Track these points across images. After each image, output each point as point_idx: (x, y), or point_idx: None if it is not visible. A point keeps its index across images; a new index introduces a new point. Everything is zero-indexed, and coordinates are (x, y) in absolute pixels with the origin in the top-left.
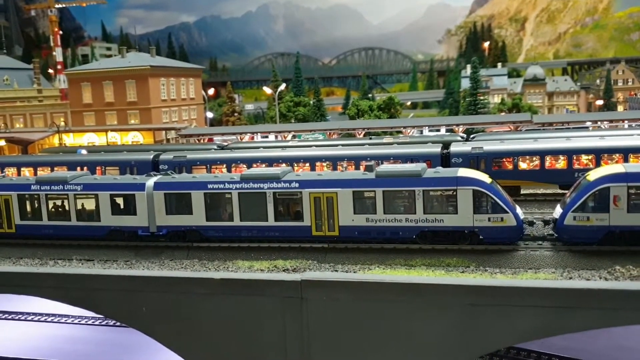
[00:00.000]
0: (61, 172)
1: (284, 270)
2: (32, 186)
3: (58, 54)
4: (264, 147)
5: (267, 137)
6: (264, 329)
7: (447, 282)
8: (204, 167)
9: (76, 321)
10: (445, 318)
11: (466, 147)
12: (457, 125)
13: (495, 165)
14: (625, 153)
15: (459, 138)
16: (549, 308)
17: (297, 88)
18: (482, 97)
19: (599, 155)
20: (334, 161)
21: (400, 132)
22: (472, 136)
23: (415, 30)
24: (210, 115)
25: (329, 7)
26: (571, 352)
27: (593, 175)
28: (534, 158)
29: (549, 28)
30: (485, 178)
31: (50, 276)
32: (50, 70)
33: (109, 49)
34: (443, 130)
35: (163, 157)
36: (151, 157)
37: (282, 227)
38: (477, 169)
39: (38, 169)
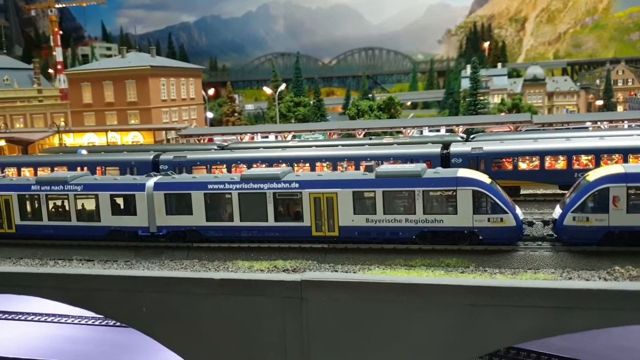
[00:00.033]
0: (61, 173)
1: (283, 271)
2: (32, 186)
3: (58, 54)
4: (264, 148)
5: (267, 137)
6: (263, 329)
7: (447, 283)
8: (204, 167)
9: (76, 321)
10: (445, 318)
11: (466, 148)
12: (457, 125)
13: (495, 166)
14: (625, 153)
15: (459, 138)
16: (548, 308)
17: (297, 88)
18: (482, 98)
19: (599, 155)
20: (334, 161)
21: (400, 132)
22: (472, 136)
23: (415, 30)
24: (210, 115)
25: (329, 7)
26: (571, 353)
27: (592, 175)
28: (534, 158)
29: (549, 28)
30: (484, 178)
31: (50, 276)
32: (51, 70)
33: (109, 49)
34: (443, 131)
35: (163, 157)
36: (151, 157)
37: (282, 227)
38: (477, 169)
39: (38, 169)
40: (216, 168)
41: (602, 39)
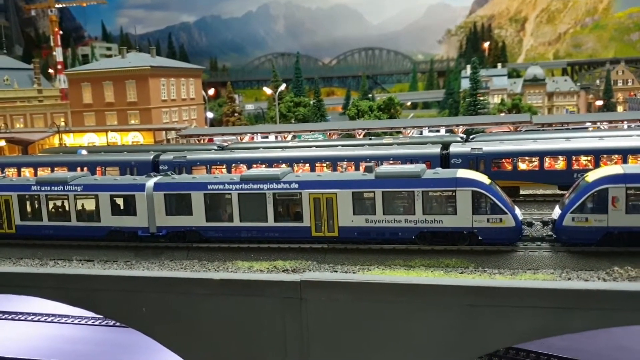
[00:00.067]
0: (61, 173)
1: (283, 271)
2: (32, 187)
3: (58, 54)
4: (264, 148)
5: (267, 137)
6: (263, 330)
7: (446, 283)
8: (204, 167)
9: (76, 321)
10: (445, 318)
11: (465, 148)
12: (457, 125)
13: (495, 166)
14: (624, 154)
15: (459, 139)
16: (547, 309)
17: (297, 88)
18: (481, 98)
19: (598, 156)
20: (333, 162)
21: (400, 132)
22: (471, 137)
23: (415, 30)
24: (210, 115)
25: (329, 7)
26: (570, 353)
27: (592, 176)
28: (533, 159)
29: (549, 28)
30: (484, 179)
31: (50, 276)
32: (51, 70)
33: (109, 49)
34: (443, 131)
35: (163, 157)
36: (151, 157)
37: (281, 227)
38: (477, 169)
39: (38, 169)
40: (216, 168)
41: (602, 39)
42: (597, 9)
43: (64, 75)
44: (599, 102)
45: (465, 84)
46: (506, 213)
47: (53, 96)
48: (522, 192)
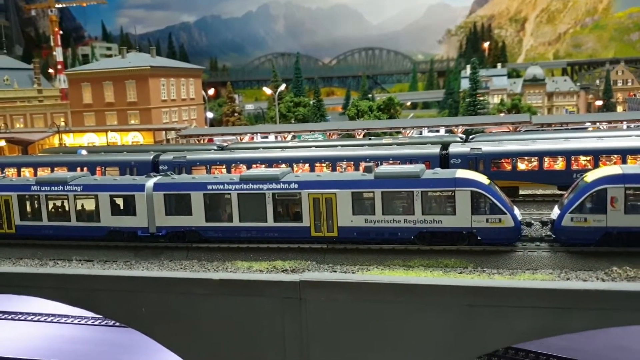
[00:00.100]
0: (61, 173)
1: (282, 271)
2: (32, 187)
3: (58, 53)
4: (264, 148)
5: (266, 137)
6: (263, 330)
7: (445, 283)
8: (204, 167)
9: (76, 321)
10: (444, 318)
11: (465, 148)
12: (456, 125)
13: (494, 166)
14: (623, 154)
15: (458, 139)
16: (546, 309)
17: (297, 88)
18: (481, 98)
19: (597, 156)
20: (333, 162)
21: (399, 132)
22: (471, 137)
23: (415, 30)
24: (210, 115)
25: (329, 7)
26: (569, 353)
27: (591, 176)
28: (533, 159)
29: (549, 28)
30: (483, 179)
31: (50, 276)
32: (51, 70)
33: (109, 48)
34: (442, 131)
35: (163, 157)
36: (151, 157)
37: (281, 227)
38: (476, 169)
39: (38, 169)
40: (216, 168)
41: (602, 39)
42: (597, 9)
43: (64, 75)
44: (599, 102)
45: (465, 84)
46: (505, 213)
47: (53, 96)
48: (521, 192)
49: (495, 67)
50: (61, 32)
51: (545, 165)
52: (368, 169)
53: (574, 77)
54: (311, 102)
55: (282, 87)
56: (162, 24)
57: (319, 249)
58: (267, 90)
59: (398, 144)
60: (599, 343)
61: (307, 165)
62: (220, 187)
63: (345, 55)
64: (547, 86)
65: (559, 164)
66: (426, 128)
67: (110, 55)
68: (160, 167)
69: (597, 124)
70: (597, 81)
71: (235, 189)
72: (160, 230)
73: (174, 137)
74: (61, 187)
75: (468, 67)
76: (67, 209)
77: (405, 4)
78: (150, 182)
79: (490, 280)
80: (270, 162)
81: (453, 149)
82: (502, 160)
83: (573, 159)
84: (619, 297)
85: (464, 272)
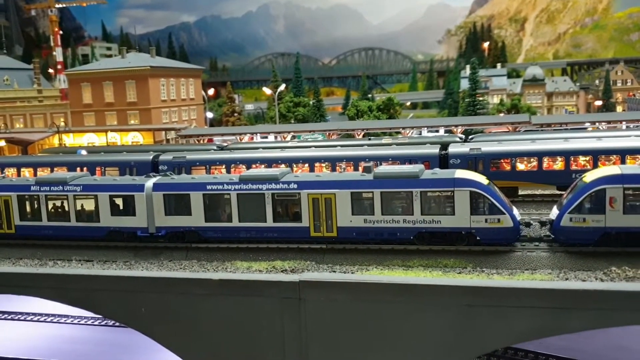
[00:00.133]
0: (61, 173)
1: (282, 271)
2: (31, 187)
3: (58, 54)
4: (263, 148)
5: (266, 137)
6: (262, 330)
7: (445, 283)
8: (204, 167)
9: (75, 321)
10: (443, 318)
11: (464, 148)
12: (456, 126)
13: (493, 166)
14: (623, 154)
15: (458, 139)
16: (545, 309)
17: (297, 88)
18: (481, 98)
19: (596, 156)
20: (332, 162)
21: (399, 132)
22: (470, 137)
23: (415, 30)
24: (210, 115)
25: (329, 7)
26: (568, 353)
27: (589, 176)
28: (532, 159)
29: (549, 28)
30: (482, 179)
31: (49, 277)
32: (51, 70)
33: (109, 48)
34: (442, 131)
35: (162, 157)
36: (151, 157)
37: (280, 228)
38: (476, 170)
39: (38, 169)
40: (215, 168)
41: (601, 40)
42: (597, 9)
43: (63, 75)
44: (598, 102)
45: (464, 84)
46: (504, 213)
47: (53, 96)
48: (520, 192)
49: (495, 67)
50: (61, 32)
51: (545, 165)
52: (367, 169)
53: (574, 77)
54: (311, 102)
55: (282, 87)
56: (162, 24)
57: (318, 249)
58: (267, 91)
59: (397, 144)
60: (598, 343)
61: (306, 165)
62: (220, 187)
63: (345, 55)
64: (546, 86)
65: (558, 164)
66: (426, 128)
67: (110, 55)
68: (160, 167)
69: (597, 124)
70: (597, 81)
71: (235, 189)
72: (159, 231)
73: (173, 137)
74: (61, 187)
75: (468, 67)
76: (66, 209)
77: (405, 4)
78: (149, 182)
79: (489, 280)
80: (269, 162)
81: (452, 149)
82: (502, 161)
83: (572, 159)
84: (617, 297)
85: (463, 272)
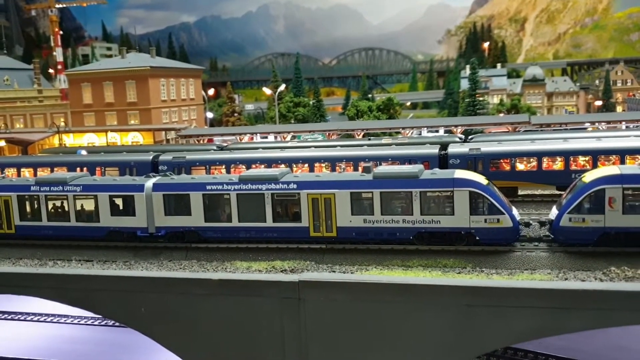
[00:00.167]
0: (61, 173)
1: (281, 271)
2: (31, 187)
3: (58, 54)
4: (263, 148)
5: (266, 137)
6: (262, 330)
7: (444, 283)
8: (203, 167)
9: (75, 321)
10: (442, 318)
11: (464, 149)
12: (456, 126)
13: (493, 167)
14: (622, 154)
15: (457, 139)
16: (545, 309)
17: (297, 88)
18: (481, 98)
19: (596, 156)
20: (332, 162)
21: (399, 132)
22: (470, 137)
23: (415, 30)
24: (210, 115)
25: (329, 7)
26: (568, 353)
27: (589, 177)
28: (531, 159)
29: (549, 28)
30: (481, 179)
31: (49, 277)
32: (51, 71)
33: (109, 49)
34: (441, 131)
35: (162, 157)
36: (150, 157)
37: (280, 228)
38: (475, 170)
39: (38, 169)
40: (215, 169)
41: (601, 40)
42: (597, 9)
43: (64, 76)
44: (598, 102)
45: (464, 84)
46: (503, 213)
47: (53, 96)
48: (520, 192)
49: (494, 67)
50: (61, 32)
51: (544, 165)
52: (367, 169)
53: (574, 77)
54: (311, 102)
55: (282, 87)
56: (162, 24)
57: (318, 249)
58: (267, 91)
59: (397, 144)
60: (598, 343)
61: (306, 165)
62: (220, 187)
63: (345, 56)
64: (546, 86)
65: (558, 164)
66: (425, 128)
67: (110, 56)
68: (160, 168)
69: (596, 124)
70: (597, 81)
71: (235, 189)
72: (159, 231)
73: (173, 137)
74: (61, 188)
75: (468, 67)
76: (66, 209)
77: (405, 4)
78: (149, 183)
79: (489, 280)
80: (269, 163)
81: (452, 149)
82: (501, 161)
83: (572, 159)
84: (617, 297)
85: (463, 272)
